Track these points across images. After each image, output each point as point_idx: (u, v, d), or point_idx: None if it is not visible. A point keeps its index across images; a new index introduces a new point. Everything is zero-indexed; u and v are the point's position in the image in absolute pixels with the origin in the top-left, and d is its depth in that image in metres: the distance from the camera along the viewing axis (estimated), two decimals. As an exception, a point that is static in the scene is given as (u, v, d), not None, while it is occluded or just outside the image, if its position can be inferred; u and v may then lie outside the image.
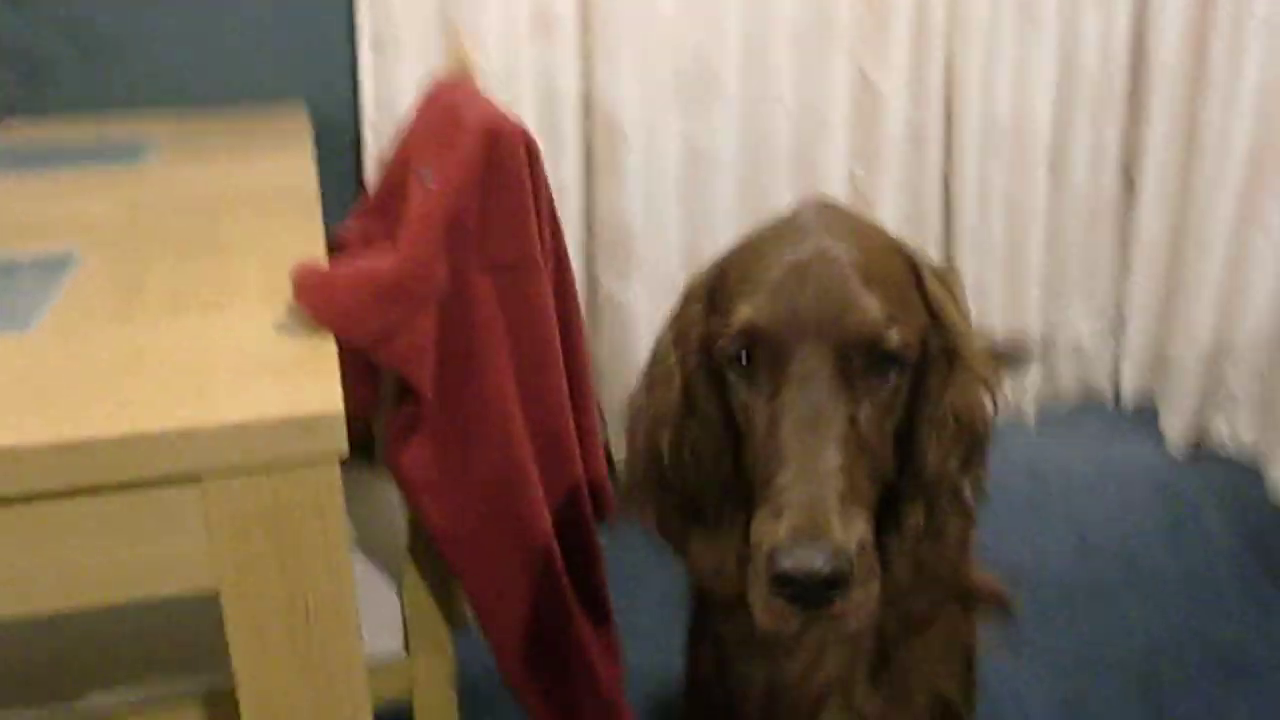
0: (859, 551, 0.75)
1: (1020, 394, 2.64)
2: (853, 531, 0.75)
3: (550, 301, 1.07)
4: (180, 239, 1.27)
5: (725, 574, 0.86)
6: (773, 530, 0.74)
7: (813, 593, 0.73)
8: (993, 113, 2.46)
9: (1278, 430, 2.31)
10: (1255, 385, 2.40)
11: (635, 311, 2.30)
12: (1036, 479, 2.41)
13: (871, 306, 0.79)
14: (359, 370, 1.04)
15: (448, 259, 1.00)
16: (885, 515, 0.84)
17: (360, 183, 2.17)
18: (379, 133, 2.12)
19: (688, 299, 0.87)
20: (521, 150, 1.02)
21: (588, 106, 2.25)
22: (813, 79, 2.35)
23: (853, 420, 0.78)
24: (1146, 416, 2.61)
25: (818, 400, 0.77)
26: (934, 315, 0.84)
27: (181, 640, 1.12)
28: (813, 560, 0.72)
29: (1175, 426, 2.50)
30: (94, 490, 0.81)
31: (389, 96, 2.13)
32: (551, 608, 1.11)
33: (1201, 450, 2.50)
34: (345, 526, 0.88)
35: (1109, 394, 2.74)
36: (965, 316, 0.87)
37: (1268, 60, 2.27)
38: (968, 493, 0.87)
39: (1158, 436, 2.54)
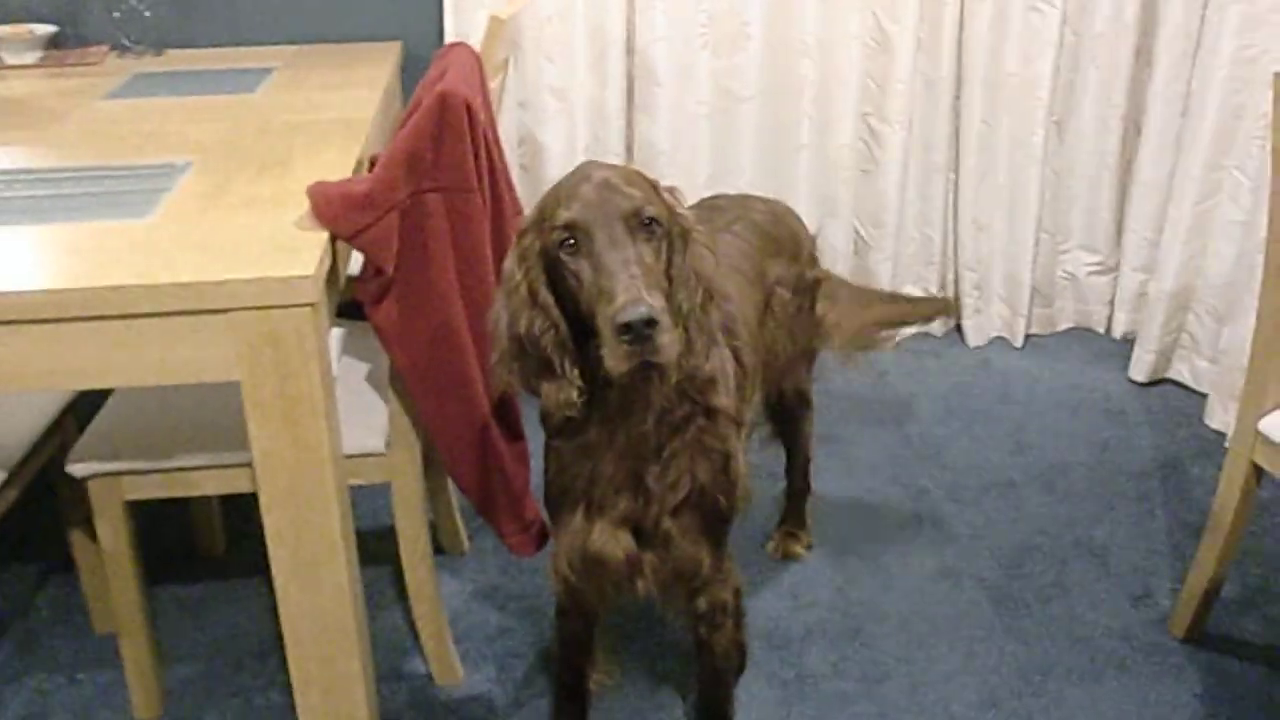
0: (662, 310, 1.25)
1: (1013, 322, 3.05)
2: (656, 300, 1.25)
3: (483, 215, 1.60)
4: (261, 156, 1.85)
5: (567, 403, 1.39)
6: (614, 308, 1.23)
7: (640, 333, 1.22)
8: (999, 69, 2.83)
9: (1224, 370, 2.66)
10: (1212, 327, 2.75)
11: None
12: (1001, 392, 2.84)
13: (635, 194, 1.30)
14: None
15: (408, 181, 1.54)
16: None
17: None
18: (454, 68, 2.68)
19: (521, 235, 1.38)
20: (463, 111, 1.55)
21: (630, 49, 2.75)
22: (833, 27, 2.77)
23: (640, 254, 1.28)
24: (1128, 349, 2.97)
25: (619, 244, 1.27)
26: (670, 210, 1.35)
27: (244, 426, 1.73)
28: (638, 310, 1.22)
29: (1143, 359, 2.87)
30: (169, 314, 1.40)
31: (466, 33, 2.67)
32: (475, 423, 1.67)
33: (1162, 382, 2.87)
34: (322, 346, 1.44)
35: (1102, 327, 3.12)
36: (688, 211, 1.39)
37: (1240, 30, 2.57)
38: (712, 319, 1.39)
39: (1129, 367, 2.92)
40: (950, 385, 2.88)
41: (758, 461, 2.33)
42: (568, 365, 1.37)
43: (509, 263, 1.39)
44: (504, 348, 1.40)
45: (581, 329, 1.35)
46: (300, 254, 1.45)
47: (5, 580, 2.20)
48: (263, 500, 1.52)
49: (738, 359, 1.56)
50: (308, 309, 1.41)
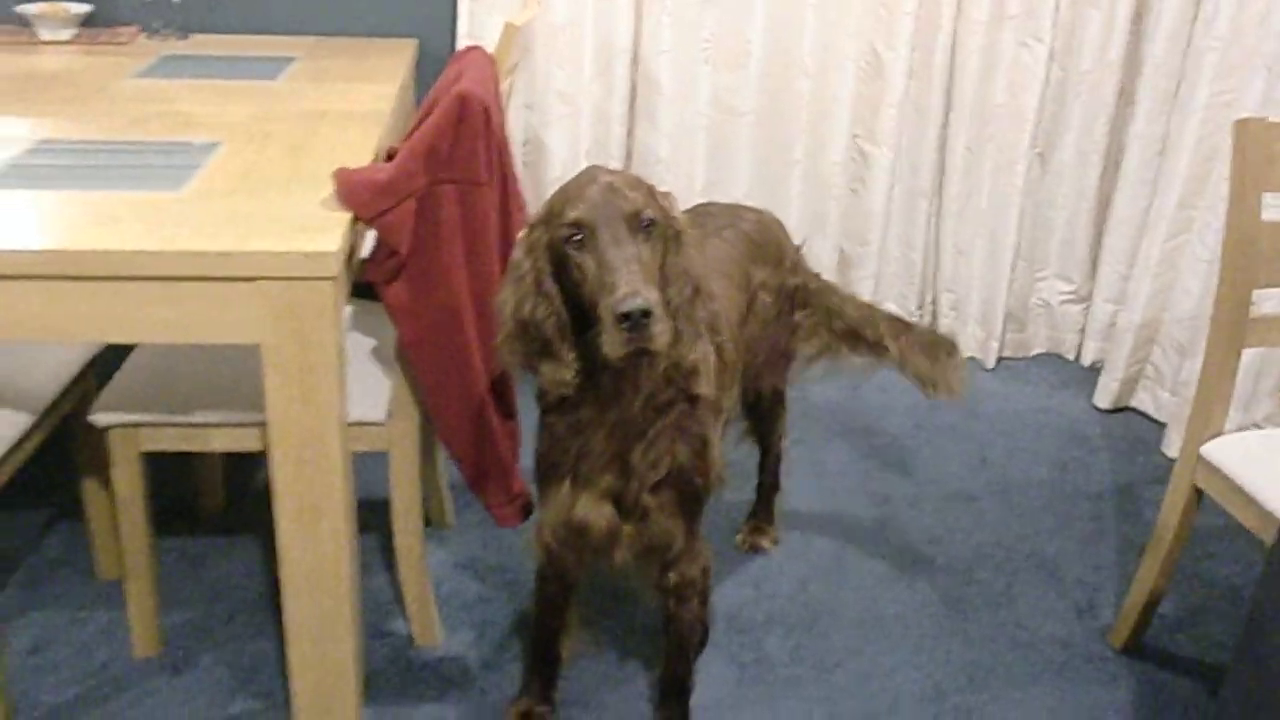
0: (657, 303, 1.41)
1: (986, 344, 3.23)
2: (652, 294, 1.41)
3: (492, 207, 1.77)
4: (286, 140, 2.02)
5: (563, 383, 1.56)
6: (615, 298, 1.39)
7: (637, 322, 1.39)
8: (986, 100, 3.02)
9: (1184, 401, 2.84)
10: (1175, 360, 2.93)
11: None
12: (969, 410, 3.01)
13: (636, 197, 1.47)
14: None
15: (426, 172, 1.70)
16: None
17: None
18: (467, 66, 2.85)
19: (530, 229, 1.54)
20: (480, 112, 1.71)
21: (635, 59, 2.93)
22: (830, 50, 2.95)
23: (639, 251, 1.45)
24: (1095, 377, 3.15)
25: (621, 242, 1.44)
26: (666, 214, 1.52)
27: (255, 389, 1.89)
28: (636, 302, 1.38)
29: (1108, 387, 3.05)
30: (203, 279, 1.56)
31: (479, 35, 2.83)
32: (473, 399, 1.84)
33: (1125, 410, 3.05)
34: (337, 317, 1.61)
35: (1072, 354, 3.30)
36: (681, 215, 1.57)
37: (1216, 77, 2.76)
38: (698, 314, 1.56)
39: (1094, 394, 3.10)
40: (920, 400, 3.00)
41: (733, 459, 2.50)
42: (565, 349, 1.54)
43: (517, 253, 1.55)
44: (509, 330, 1.56)
45: (579, 316, 1.52)
46: (325, 232, 1.61)
47: (15, 524, 2.36)
48: (273, 456, 1.68)
49: (719, 353, 1.73)
50: (329, 282, 1.58)
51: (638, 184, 1.51)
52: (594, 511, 1.65)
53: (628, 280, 1.40)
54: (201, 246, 1.56)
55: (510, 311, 1.55)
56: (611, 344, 1.42)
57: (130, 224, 1.63)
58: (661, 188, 1.60)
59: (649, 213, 1.47)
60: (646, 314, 1.39)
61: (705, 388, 1.64)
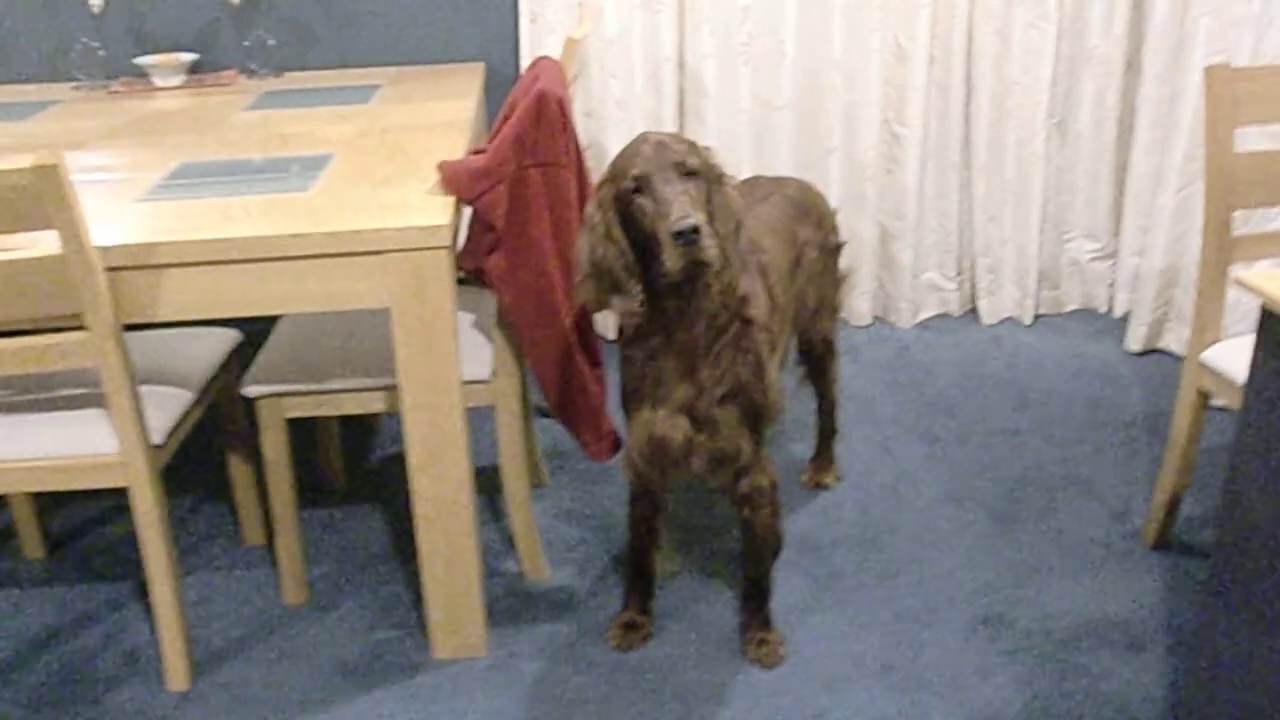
0: (705, 222, 1.75)
1: (1023, 303, 3.53)
2: (700, 215, 1.76)
3: (570, 186, 2.12)
4: (388, 148, 2.39)
5: (633, 312, 1.89)
6: (670, 221, 1.74)
7: (689, 238, 1.73)
8: (1003, 79, 3.34)
9: (1207, 335, 3.12)
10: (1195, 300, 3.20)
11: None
12: (1010, 361, 3.32)
13: (681, 149, 1.81)
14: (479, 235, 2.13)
15: (515, 159, 2.06)
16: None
17: (516, 118, 3.28)
18: (529, 83, 3.22)
19: (599, 188, 1.88)
20: (557, 106, 2.07)
21: (681, 65, 3.29)
22: (856, 44, 3.29)
23: (687, 189, 1.78)
24: (1127, 326, 3.43)
25: (672, 183, 1.78)
26: (707, 162, 1.86)
27: (382, 356, 2.25)
28: (688, 221, 1.73)
29: (1137, 331, 3.34)
30: (339, 255, 1.92)
31: (539, 54, 3.20)
32: (564, 351, 2.18)
33: (1154, 352, 3.34)
34: (452, 281, 1.96)
35: (1104, 307, 3.59)
36: (722, 165, 1.90)
37: (1210, 38, 3.06)
38: (742, 244, 1.90)
39: (1126, 339, 3.39)
40: (965, 356, 3.36)
41: (793, 413, 2.84)
42: (633, 283, 1.88)
43: (590, 208, 1.90)
44: (585, 272, 1.91)
45: (643, 259, 1.86)
46: (435, 211, 1.98)
47: (168, 505, 2.73)
48: (403, 405, 2.04)
49: (770, 293, 2.06)
50: (443, 251, 1.94)
51: (681, 140, 1.87)
52: (672, 426, 1.98)
53: (680, 207, 1.76)
54: (337, 228, 1.93)
55: (586, 256, 1.90)
56: (671, 259, 1.76)
57: (275, 217, 2.00)
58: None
59: (692, 160, 1.82)
60: (696, 230, 1.73)
61: (755, 312, 1.97)
